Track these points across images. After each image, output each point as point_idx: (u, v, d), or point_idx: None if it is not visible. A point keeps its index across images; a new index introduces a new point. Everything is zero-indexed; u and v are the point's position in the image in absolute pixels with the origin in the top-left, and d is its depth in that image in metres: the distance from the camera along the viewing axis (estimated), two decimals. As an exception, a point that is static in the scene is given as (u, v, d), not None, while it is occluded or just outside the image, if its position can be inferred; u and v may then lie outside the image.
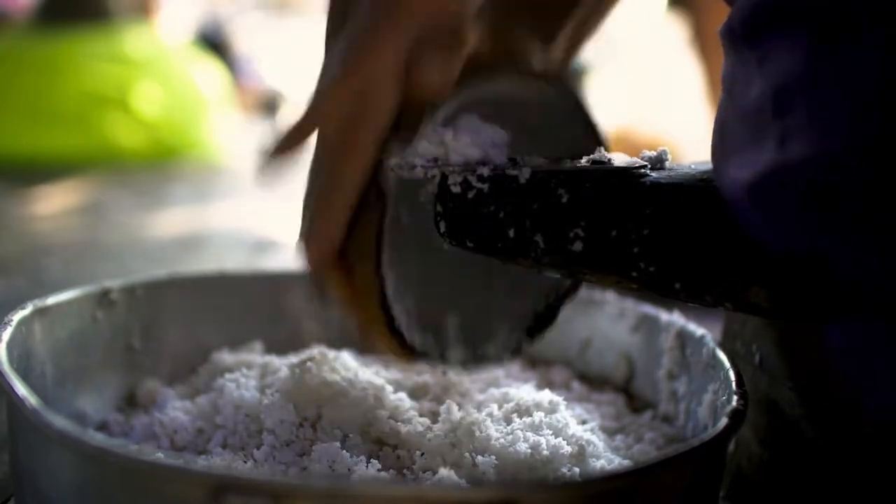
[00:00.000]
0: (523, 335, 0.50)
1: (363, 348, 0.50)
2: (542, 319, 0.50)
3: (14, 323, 0.47)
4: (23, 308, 0.49)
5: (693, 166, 0.44)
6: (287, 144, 0.43)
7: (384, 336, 0.45)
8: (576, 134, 0.48)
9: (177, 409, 0.50)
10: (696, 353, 0.52)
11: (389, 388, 0.50)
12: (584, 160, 0.44)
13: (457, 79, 0.43)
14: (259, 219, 1.46)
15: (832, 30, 0.36)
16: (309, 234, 0.44)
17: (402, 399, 0.49)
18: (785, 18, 0.38)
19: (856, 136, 0.35)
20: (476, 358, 0.49)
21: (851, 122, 0.35)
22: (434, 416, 0.49)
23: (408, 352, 0.45)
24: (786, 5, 0.38)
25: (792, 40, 0.37)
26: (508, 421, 0.48)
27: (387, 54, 0.41)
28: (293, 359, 0.52)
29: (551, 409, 0.49)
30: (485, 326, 0.50)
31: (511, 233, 0.43)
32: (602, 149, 0.45)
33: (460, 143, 0.44)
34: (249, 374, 0.52)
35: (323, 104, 0.42)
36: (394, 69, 0.41)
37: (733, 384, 0.44)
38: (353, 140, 0.42)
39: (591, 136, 0.48)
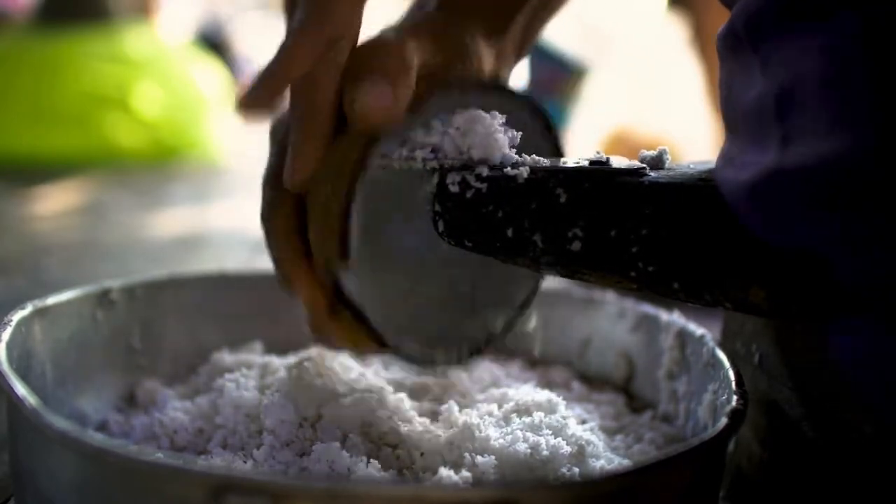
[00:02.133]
0: (513, 314, 0.49)
1: (316, 338, 0.49)
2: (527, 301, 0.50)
3: (14, 323, 0.47)
4: (23, 308, 0.49)
5: (693, 166, 0.44)
6: (264, 91, 0.42)
7: (346, 324, 0.44)
8: (544, 150, 0.47)
9: (177, 409, 0.50)
10: (696, 353, 0.52)
11: (389, 388, 0.50)
12: (583, 160, 0.44)
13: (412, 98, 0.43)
14: (259, 219, 1.46)
15: (837, 32, 0.36)
16: (288, 167, 0.44)
17: (402, 399, 0.49)
18: (790, 21, 0.38)
19: (859, 139, 0.35)
20: (460, 354, 0.49)
21: (855, 125, 0.35)
22: (434, 416, 0.49)
23: (375, 342, 0.44)
24: (791, 8, 0.38)
25: (796, 43, 0.37)
26: (508, 421, 0.48)
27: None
28: (293, 359, 0.52)
29: (551, 409, 0.49)
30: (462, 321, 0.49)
31: (509, 232, 0.43)
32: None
33: (461, 138, 0.44)
34: (249, 374, 0.52)
35: (296, 46, 0.42)
36: (359, 15, 0.43)
37: (733, 384, 0.44)
38: (322, 79, 0.43)
39: (557, 153, 0.48)
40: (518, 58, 0.52)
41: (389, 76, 0.42)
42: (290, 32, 0.42)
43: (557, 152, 0.48)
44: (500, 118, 0.45)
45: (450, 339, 0.49)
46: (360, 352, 0.48)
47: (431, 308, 0.49)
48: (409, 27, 0.45)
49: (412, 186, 0.46)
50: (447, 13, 0.48)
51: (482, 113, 0.44)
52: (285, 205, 0.45)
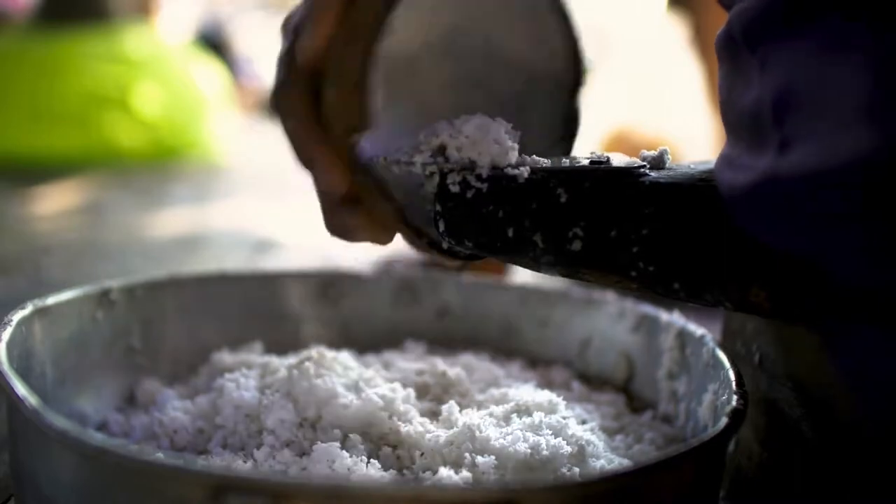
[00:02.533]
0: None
1: (333, 230, 0.48)
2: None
3: (14, 323, 0.47)
4: (23, 308, 0.49)
5: (693, 166, 0.44)
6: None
7: (363, 210, 0.44)
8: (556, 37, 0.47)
9: (177, 409, 0.50)
10: (696, 353, 0.52)
11: (389, 388, 0.50)
12: (583, 160, 0.44)
13: None
14: (259, 219, 1.46)
15: (835, 37, 0.36)
16: (303, 38, 0.44)
17: (403, 399, 0.49)
18: (787, 25, 0.38)
19: (856, 144, 0.35)
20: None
21: (852, 130, 0.35)
22: (434, 416, 0.49)
23: (398, 218, 0.44)
24: (788, 12, 0.38)
25: (794, 47, 0.37)
26: (508, 421, 0.48)
27: None
28: (293, 359, 0.52)
29: (551, 409, 0.49)
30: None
31: (510, 232, 0.43)
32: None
33: (463, 140, 0.44)
34: (249, 374, 0.52)
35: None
36: None
37: (733, 384, 0.44)
38: None
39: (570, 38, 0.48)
40: None
41: None
42: None
43: (570, 37, 0.47)
44: (506, 125, 0.45)
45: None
46: (378, 240, 0.48)
47: None
48: None
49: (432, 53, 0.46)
50: None
51: (490, 120, 0.44)
52: (299, 83, 0.45)
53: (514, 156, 0.44)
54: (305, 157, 0.46)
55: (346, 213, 0.46)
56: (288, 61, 0.45)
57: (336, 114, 0.44)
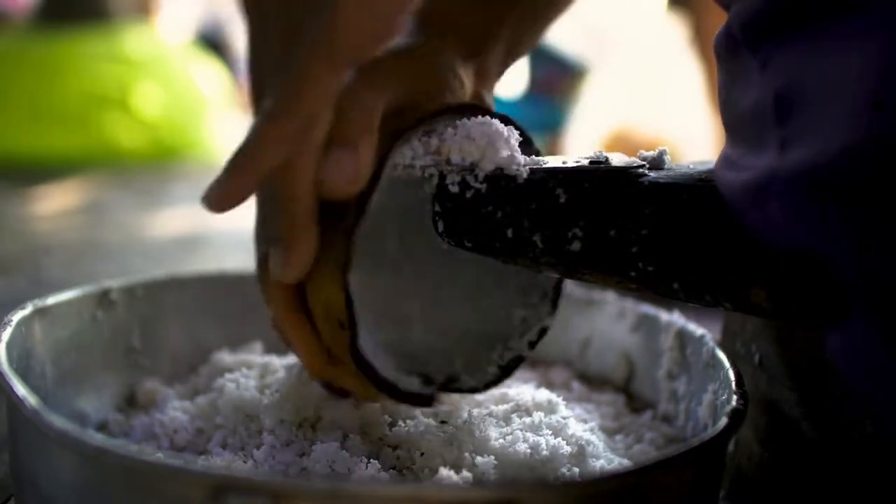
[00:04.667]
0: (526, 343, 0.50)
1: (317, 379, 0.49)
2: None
3: (14, 323, 0.47)
4: (23, 308, 0.49)
5: (692, 166, 0.44)
6: (233, 184, 0.40)
7: (348, 373, 0.45)
8: None
9: (177, 409, 0.50)
10: (696, 353, 0.52)
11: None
12: (582, 160, 0.44)
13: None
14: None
15: (836, 36, 0.36)
16: (277, 263, 0.43)
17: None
18: (787, 24, 0.38)
19: (858, 141, 0.35)
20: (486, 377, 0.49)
21: (854, 127, 0.35)
22: (434, 416, 0.49)
23: (381, 387, 0.45)
24: (789, 11, 0.38)
25: (795, 46, 0.37)
26: (508, 421, 0.48)
27: (326, 82, 0.39)
28: (293, 359, 0.52)
29: (551, 409, 0.49)
30: (480, 343, 0.50)
31: (509, 233, 0.43)
32: None
33: (461, 141, 0.44)
34: (249, 374, 0.52)
35: (267, 136, 0.39)
36: (332, 98, 0.40)
37: (733, 384, 0.44)
38: (299, 164, 0.40)
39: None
40: (502, 72, 0.51)
41: (349, 144, 0.40)
42: (260, 120, 0.39)
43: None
44: (516, 133, 0.45)
45: (473, 363, 0.49)
46: (365, 398, 0.48)
47: (449, 341, 0.50)
48: (387, 59, 0.44)
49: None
50: (426, 38, 0.46)
51: (497, 122, 0.44)
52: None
53: (519, 159, 0.44)
54: (285, 337, 0.46)
55: (331, 371, 0.47)
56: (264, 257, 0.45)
57: (323, 333, 0.45)
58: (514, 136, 0.44)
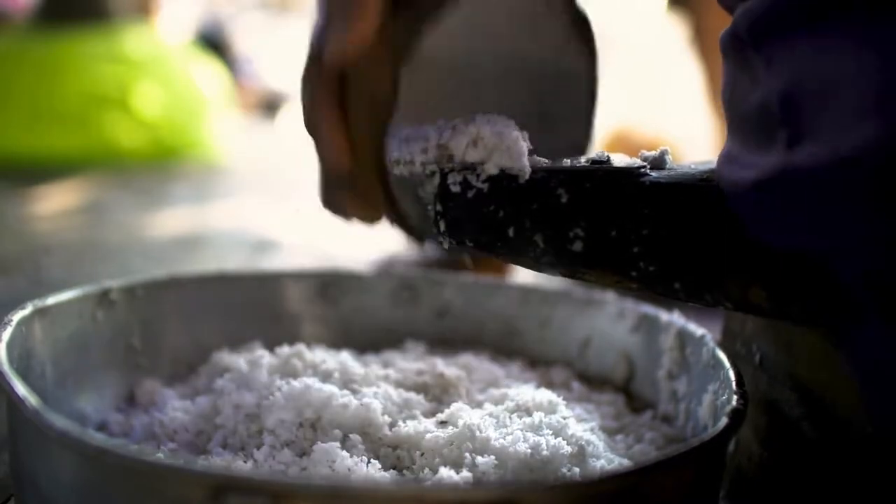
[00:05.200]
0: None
1: (327, 204, 0.49)
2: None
3: (14, 323, 0.47)
4: (23, 308, 0.49)
5: (693, 166, 0.44)
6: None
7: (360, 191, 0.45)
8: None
9: (177, 409, 0.50)
10: (696, 353, 0.52)
11: (389, 388, 0.50)
12: (583, 160, 0.44)
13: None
14: (259, 219, 1.46)
15: (842, 33, 0.36)
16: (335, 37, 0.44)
17: (402, 399, 0.49)
18: (794, 23, 0.38)
19: (865, 137, 0.35)
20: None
21: (861, 123, 0.35)
22: (434, 416, 0.49)
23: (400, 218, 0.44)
24: (794, 9, 0.38)
25: (801, 44, 0.37)
26: (508, 421, 0.48)
27: None
28: (293, 358, 0.52)
29: (551, 409, 0.49)
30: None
31: (511, 232, 0.43)
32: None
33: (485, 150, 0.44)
34: (249, 374, 0.52)
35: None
36: None
37: (733, 384, 0.44)
38: None
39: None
40: None
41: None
42: None
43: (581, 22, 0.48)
44: (523, 135, 0.45)
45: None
46: (368, 221, 0.48)
47: None
48: None
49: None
50: None
51: (505, 120, 0.44)
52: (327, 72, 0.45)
53: (526, 160, 0.44)
54: (312, 125, 0.46)
55: (342, 192, 0.46)
56: (318, 48, 0.45)
57: (360, 129, 0.44)
58: (523, 139, 0.44)
